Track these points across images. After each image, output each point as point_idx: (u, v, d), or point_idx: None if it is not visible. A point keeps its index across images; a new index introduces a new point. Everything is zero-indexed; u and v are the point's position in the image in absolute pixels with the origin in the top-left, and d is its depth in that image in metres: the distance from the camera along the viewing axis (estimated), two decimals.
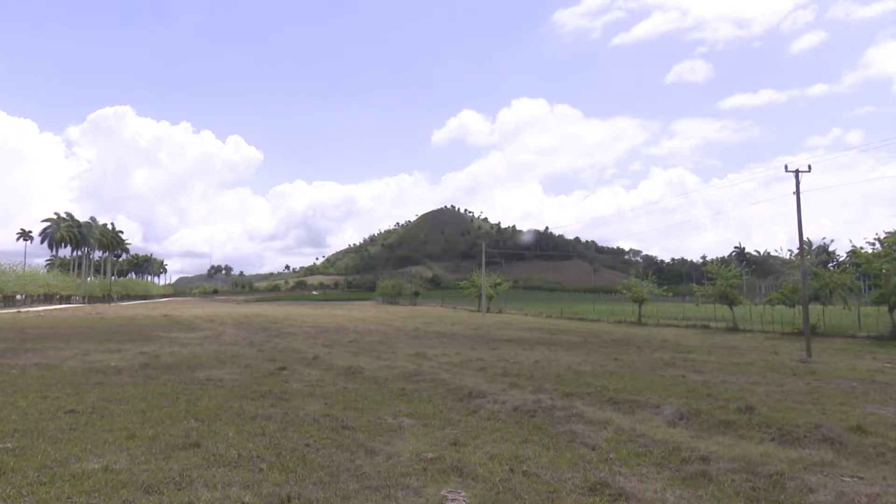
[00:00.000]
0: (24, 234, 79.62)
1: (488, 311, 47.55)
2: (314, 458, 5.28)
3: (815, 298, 25.96)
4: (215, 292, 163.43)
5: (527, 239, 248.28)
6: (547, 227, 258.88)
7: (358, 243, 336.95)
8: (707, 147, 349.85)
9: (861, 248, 22.63)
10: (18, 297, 60.09)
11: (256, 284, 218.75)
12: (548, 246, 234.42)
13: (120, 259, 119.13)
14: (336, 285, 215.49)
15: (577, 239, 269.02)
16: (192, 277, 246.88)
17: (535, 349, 16.14)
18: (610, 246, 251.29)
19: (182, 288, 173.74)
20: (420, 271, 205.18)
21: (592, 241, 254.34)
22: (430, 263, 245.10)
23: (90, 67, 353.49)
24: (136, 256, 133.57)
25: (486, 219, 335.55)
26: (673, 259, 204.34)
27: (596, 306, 45.70)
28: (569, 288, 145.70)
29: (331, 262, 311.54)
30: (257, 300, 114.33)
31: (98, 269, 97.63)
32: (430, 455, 5.37)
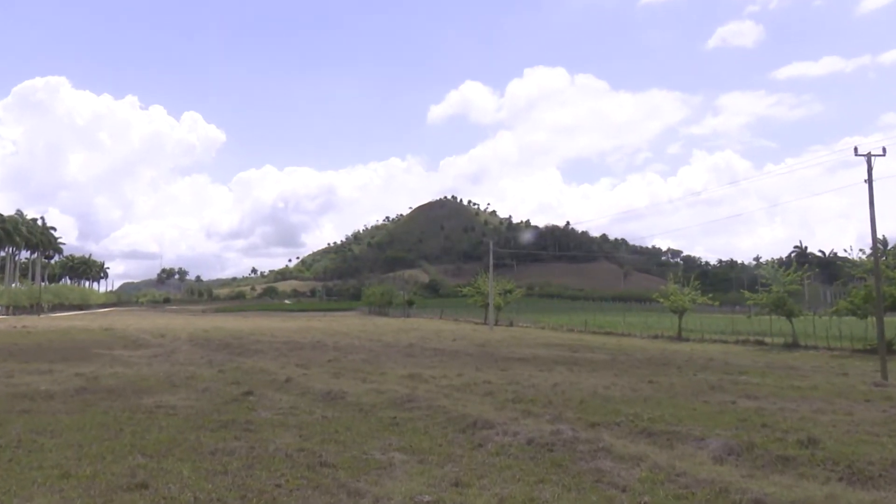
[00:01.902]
0: None
1: (497, 323, 47.54)
2: (286, 502, 5.28)
3: (893, 308, 25.98)
4: (167, 301, 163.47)
5: (543, 237, 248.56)
6: (568, 223, 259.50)
7: (339, 242, 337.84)
8: (759, 126, 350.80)
9: None
10: None
11: (216, 291, 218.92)
12: (568, 245, 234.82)
13: (52, 261, 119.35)
14: (313, 293, 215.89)
15: (603, 237, 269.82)
16: (138, 283, 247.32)
17: (554, 370, 16.13)
18: (644, 245, 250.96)
19: (127, 295, 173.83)
20: (414, 275, 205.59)
21: (622, 240, 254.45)
22: (426, 266, 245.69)
23: (15, 30, 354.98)
24: (72, 258, 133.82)
25: (493, 212, 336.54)
26: (720, 261, 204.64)
27: (627, 318, 45.70)
28: (594, 296, 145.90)
29: (306, 264, 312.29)
30: (217, 310, 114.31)
31: (25, 273, 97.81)
32: (427, 498, 5.37)
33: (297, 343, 25.27)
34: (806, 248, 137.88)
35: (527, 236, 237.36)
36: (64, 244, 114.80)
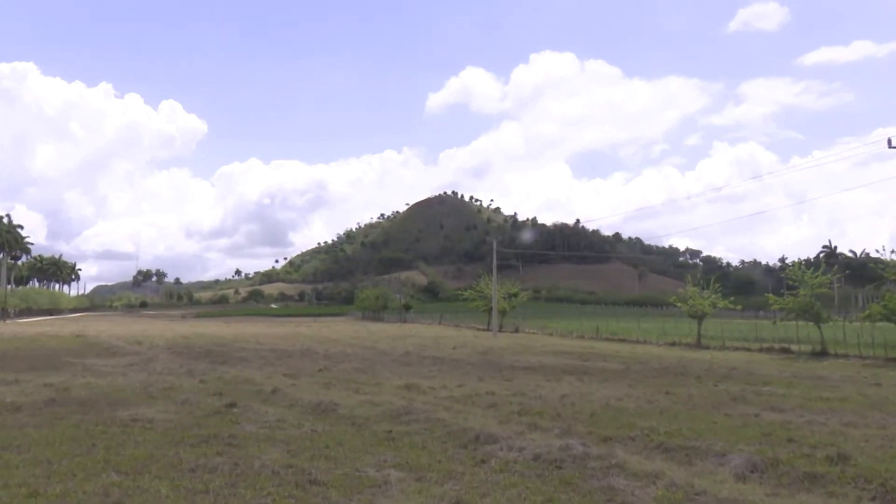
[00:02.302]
0: None
1: (500, 330, 47.59)
2: None
3: None
4: (143, 305, 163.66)
5: (551, 236, 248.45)
6: (578, 221, 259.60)
7: (330, 241, 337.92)
8: (785, 116, 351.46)
9: None
10: None
11: (197, 295, 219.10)
12: (578, 245, 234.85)
13: (19, 262, 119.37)
14: (301, 296, 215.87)
15: (616, 235, 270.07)
16: (113, 286, 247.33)
17: (563, 380, 16.14)
18: (660, 245, 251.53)
19: (100, 299, 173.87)
20: (412, 277, 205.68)
21: (637, 239, 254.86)
22: (424, 267, 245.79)
23: None
24: (40, 259, 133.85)
25: (497, 209, 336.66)
26: (742, 262, 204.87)
27: (642, 324, 45.68)
28: (606, 300, 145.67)
29: (294, 265, 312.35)
30: (198, 315, 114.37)
31: None
32: None
33: (285, 351, 25.28)
34: (835, 247, 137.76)
35: (533, 235, 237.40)
36: (32, 244, 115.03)
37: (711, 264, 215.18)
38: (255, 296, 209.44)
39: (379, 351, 25.99)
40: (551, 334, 44.00)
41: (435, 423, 9.67)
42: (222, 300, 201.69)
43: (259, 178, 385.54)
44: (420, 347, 28.48)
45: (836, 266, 32.66)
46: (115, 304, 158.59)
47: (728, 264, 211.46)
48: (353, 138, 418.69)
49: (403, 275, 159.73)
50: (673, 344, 33.23)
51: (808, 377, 17.76)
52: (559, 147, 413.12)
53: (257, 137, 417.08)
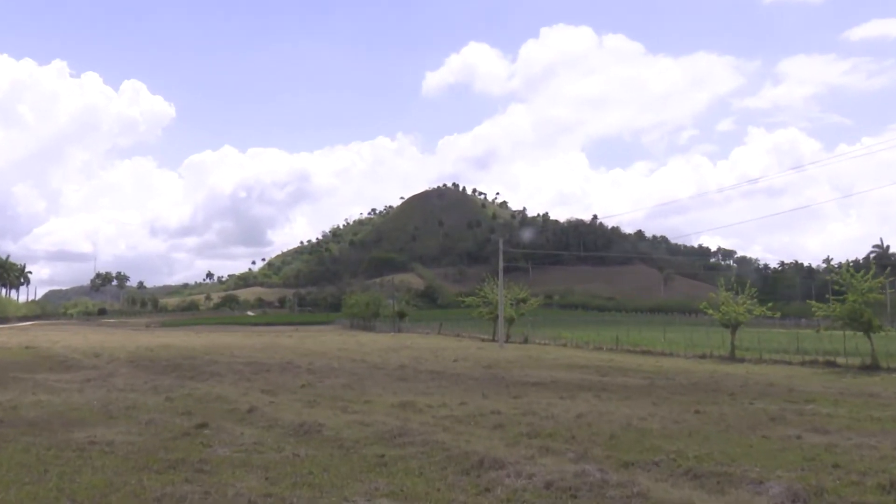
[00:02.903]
0: None
1: (508, 340, 47.57)
2: None
3: None
4: (102, 313, 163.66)
5: (565, 234, 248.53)
6: (595, 217, 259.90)
7: (314, 240, 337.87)
8: (829, 98, 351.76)
9: None
10: None
11: (164, 301, 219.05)
12: (596, 244, 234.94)
13: None
14: (282, 302, 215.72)
15: (639, 234, 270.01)
16: (67, 290, 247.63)
17: (578, 397, 16.16)
18: (688, 244, 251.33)
19: (53, 306, 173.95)
20: (407, 281, 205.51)
21: (662, 237, 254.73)
22: (421, 270, 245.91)
23: None
24: None
25: (503, 203, 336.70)
26: (782, 263, 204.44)
27: (668, 333, 45.70)
28: (628, 306, 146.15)
29: (274, 267, 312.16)
30: (165, 324, 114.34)
31: None
32: None
33: (263, 364, 25.32)
34: (888, 247, 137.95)
35: (545, 233, 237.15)
36: None
37: (746, 266, 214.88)
38: (230, 302, 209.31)
39: (370, 364, 26.01)
40: (565, 345, 44.01)
41: (433, 446, 9.68)
42: (192, 307, 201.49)
43: (234, 169, 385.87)
44: (416, 360, 28.51)
45: (888, 268, 32.60)
46: (70, 311, 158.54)
47: (765, 266, 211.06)
48: (340, 124, 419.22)
49: (397, 278, 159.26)
50: (703, 356, 33.25)
51: (857, 394, 17.76)
52: (574, 133, 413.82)
53: (232, 123, 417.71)
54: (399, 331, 75.31)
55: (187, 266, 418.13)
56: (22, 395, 15.33)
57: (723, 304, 34.71)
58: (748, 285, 35.74)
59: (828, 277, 41.43)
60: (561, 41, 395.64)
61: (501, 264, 47.23)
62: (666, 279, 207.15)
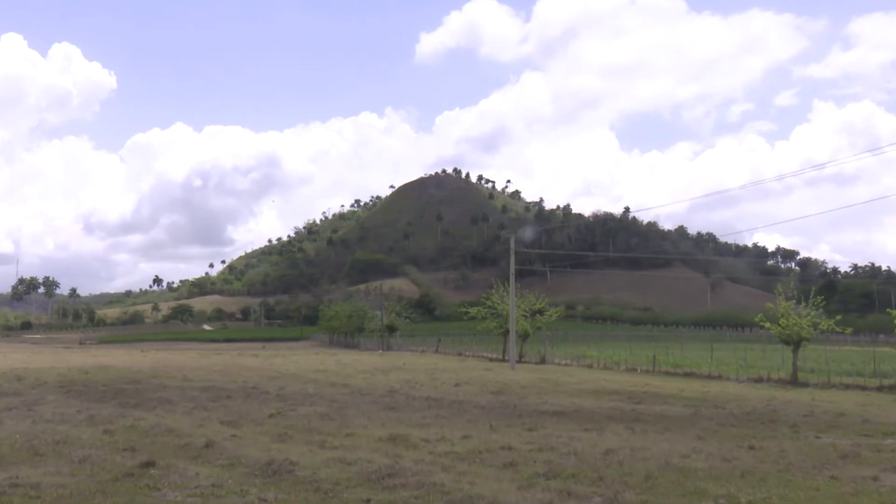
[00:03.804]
0: None
1: (521, 359, 47.53)
2: None
3: None
4: (27, 326, 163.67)
5: (591, 230, 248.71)
6: (627, 210, 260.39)
7: (285, 238, 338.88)
8: None
9: None
10: None
11: (101, 312, 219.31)
12: (628, 243, 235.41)
13: None
14: (246, 314, 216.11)
15: (680, 230, 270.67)
16: None
17: (607, 429, 16.17)
18: (741, 243, 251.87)
19: None
20: (398, 288, 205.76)
21: (709, 235, 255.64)
22: (415, 274, 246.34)
23: None
24: None
25: (516, 193, 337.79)
26: (855, 267, 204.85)
27: (716, 352, 45.61)
28: (667, 318, 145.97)
29: (236, 271, 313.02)
30: (103, 340, 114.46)
31: None
32: None
33: (223, 389, 25.31)
34: None
35: (566, 230, 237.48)
36: None
37: (812, 270, 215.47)
38: (182, 313, 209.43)
39: (353, 389, 26.01)
40: (591, 366, 44.05)
41: (430, 490, 9.67)
42: (136, 319, 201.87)
43: (187, 152, 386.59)
44: (410, 384, 28.53)
45: None
46: None
47: (835, 270, 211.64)
48: (317, 97, 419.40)
49: (386, 284, 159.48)
50: (758, 380, 33.30)
51: None
52: (601, 108, 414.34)
53: (184, 95, 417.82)
54: (389, 348, 75.21)
55: (130, 270, 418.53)
56: None
57: (782, 316, 34.68)
58: (813, 293, 35.75)
59: None
60: None
61: (513, 267, 47.12)
62: (713, 286, 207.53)
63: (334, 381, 30.23)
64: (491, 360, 51.36)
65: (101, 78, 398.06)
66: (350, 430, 15.38)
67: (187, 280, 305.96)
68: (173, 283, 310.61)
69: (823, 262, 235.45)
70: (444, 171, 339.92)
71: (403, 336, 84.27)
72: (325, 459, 11.93)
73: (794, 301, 35.50)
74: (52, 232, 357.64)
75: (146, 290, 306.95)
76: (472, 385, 28.78)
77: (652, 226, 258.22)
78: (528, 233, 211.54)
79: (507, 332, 47.63)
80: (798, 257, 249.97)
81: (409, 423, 16.75)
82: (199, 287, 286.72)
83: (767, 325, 35.84)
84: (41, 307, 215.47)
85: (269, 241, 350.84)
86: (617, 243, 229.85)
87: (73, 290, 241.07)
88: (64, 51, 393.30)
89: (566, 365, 45.72)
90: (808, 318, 34.43)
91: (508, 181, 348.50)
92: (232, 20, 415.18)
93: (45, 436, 14.30)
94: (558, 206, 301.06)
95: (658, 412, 19.97)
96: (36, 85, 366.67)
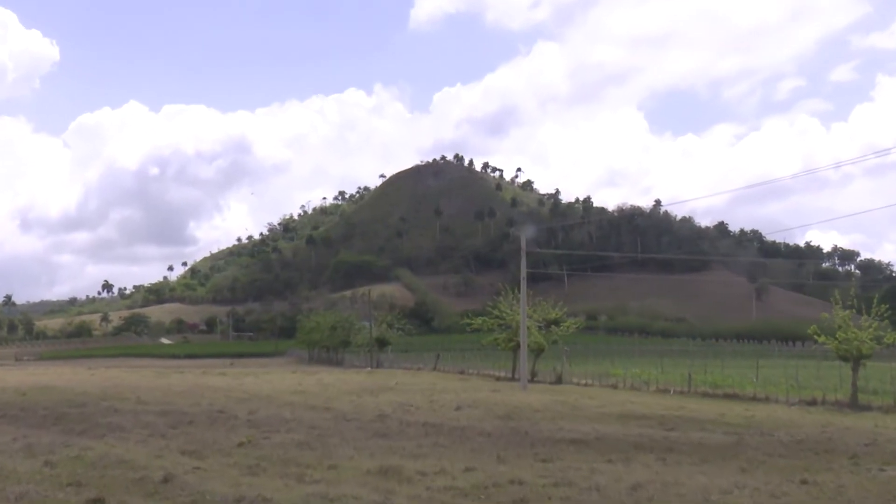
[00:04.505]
0: None
1: (534, 378, 47.48)
2: None
3: None
4: None
5: (615, 227, 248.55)
6: (658, 203, 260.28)
7: (257, 237, 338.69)
8: None
9: None
10: None
11: (41, 324, 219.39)
12: (659, 242, 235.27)
13: None
14: (211, 325, 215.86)
15: (720, 227, 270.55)
16: None
17: (635, 460, 16.19)
18: (791, 243, 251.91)
19: None
20: (390, 294, 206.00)
21: (754, 233, 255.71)
22: (410, 279, 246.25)
23: None
24: None
25: (528, 184, 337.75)
26: None
27: (763, 370, 45.55)
28: (705, 330, 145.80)
29: (199, 276, 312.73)
30: (44, 356, 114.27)
31: None
32: None
33: (184, 414, 25.34)
34: None
35: (587, 226, 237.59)
36: None
37: (875, 273, 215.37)
38: (136, 325, 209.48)
39: (336, 414, 26.04)
40: (615, 386, 44.09)
41: None
42: (82, 332, 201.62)
43: (142, 135, 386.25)
44: (403, 408, 28.53)
45: None
46: None
47: None
48: (294, 71, 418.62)
49: (376, 290, 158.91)
50: (812, 403, 33.19)
51: None
52: (627, 84, 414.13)
53: (140, 70, 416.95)
54: (379, 365, 75.24)
55: (75, 273, 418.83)
56: None
57: (839, 328, 34.61)
58: (876, 301, 35.66)
59: None
60: None
61: (524, 270, 47.10)
62: (759, 292, 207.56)
63: (315, 403, 30.32)
64: (498, 379, 51.34)
65: (42, 49, 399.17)
66: (333, 462, 15.39)
67: (142, 286, 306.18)
68: (126, 289, 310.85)
69: (888, 264, 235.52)
70: (443, 157, 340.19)
71: (396, 351, 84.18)
72: (303, 496, 11.94)
73: (854, 310, 35.44)
74: None
75: (94, 297, 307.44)
76: (477, 408, 28.85)
77: (687, 222, 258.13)
78: (541, 230, 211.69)
79: (518, 346, 47.62)
80: (858, 259, 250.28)
81: (403, 454, 16.75)
82: (157, 294, 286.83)
83: (822, 338, 35.77)
84: None
85: (239, 239, 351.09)
86: (646, 242, 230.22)
87: (9, 298, 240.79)
88: None
89: (586, 385, 45.77)
90: (871, 330, 34.34)
91: (519, 170, 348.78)
92: None
93: None
94: (577, 199, 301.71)
95: (694, 440, 19.97)
96: None
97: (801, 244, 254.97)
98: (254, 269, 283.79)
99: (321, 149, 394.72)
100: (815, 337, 36.83)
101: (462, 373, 59.38)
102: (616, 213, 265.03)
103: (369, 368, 71.36)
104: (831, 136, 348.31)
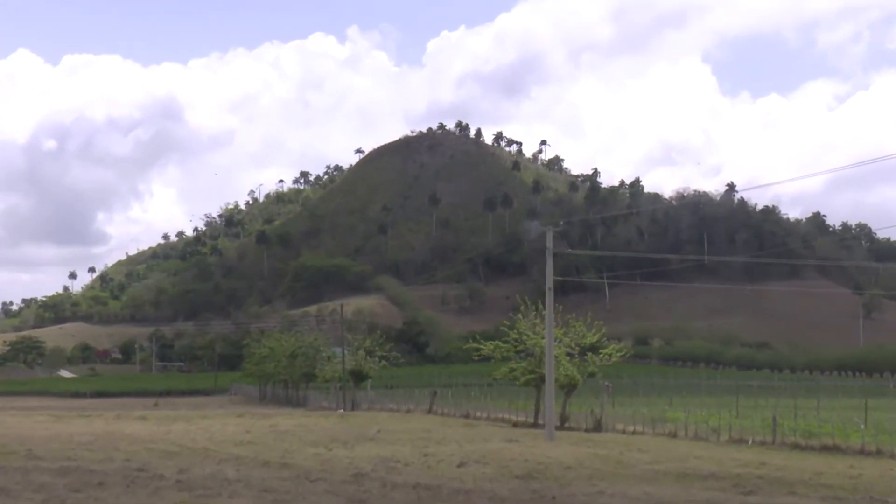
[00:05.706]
0: None
1: (564, 424, 47.34)
2: None
3: None
4: None
5: (672, 219, 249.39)
6: (731, 187, 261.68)
7: (190, 232, 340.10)
8: None
9: None
10: None
11: None
12: (734, 240, 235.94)
13: None
14: (128, 353, 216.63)
15: (816, 219, 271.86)
16: None
17: None
18: None
19: None
20: (370, 310, 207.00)
21: (862, 228, 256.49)
22: (396, 289, 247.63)
23: None
24: None
25: (555, 161, 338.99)
26: None
27: (875, 412, 45.59)
28: (794, 359, 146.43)
29: (112, 285, 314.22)
30: None
31: None
32: None
33: (92, 472, 25.44)
34: None
35: (634, 219, 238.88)
36: None
37: None
38: (27, 351, 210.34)
39: (297, 472, 26.16)
40: (674, 435, 44.46)
41: None
42: None
43: (34, 95, 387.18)
44: (387, 464, 28.69)
45: None
46: None
47: None
48: (239, 11, 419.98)
49: (351, 305, 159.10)
50: None
51: None
52: (687, 29, 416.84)
53: (33, 9, 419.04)
54: (354, 406, 75.77)
55: None
56: None
57: None
58: None
59: None
60: None
61: (551, 279, 46.80)
62: (868, 308, 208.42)
63: (268, 458, 30.46)
64: (516, 424, 51.60)
65: None
66: None
67: (34, 299, 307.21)
68: (12, 303, 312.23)
69: None
70: (441, 126, 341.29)
71: (378, 387, 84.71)
72: None
73: None
74: None
75: None
76: (487, 465, 29.00)
77: (770, 213, 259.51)
78: (573, 224, 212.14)
79: (542, 380, 47.47)
80: None
81: None
82: (54, 310, 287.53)
83: None
84: None
85: (165, 237, 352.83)
86: (715, 240, 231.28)
87: None
88: None
89: (634, 433, 46.10)
90: None
91: (543, 142, 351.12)
92: None
93: None
94: (622, 183, 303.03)
95: None
96: None
97: None
98: (185, 277, 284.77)
99: (276, 115, 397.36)
100: None
101: (467, 416, 59.60)
102: (674, 202, 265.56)
103: (342, 410, 71.71)
104: None
